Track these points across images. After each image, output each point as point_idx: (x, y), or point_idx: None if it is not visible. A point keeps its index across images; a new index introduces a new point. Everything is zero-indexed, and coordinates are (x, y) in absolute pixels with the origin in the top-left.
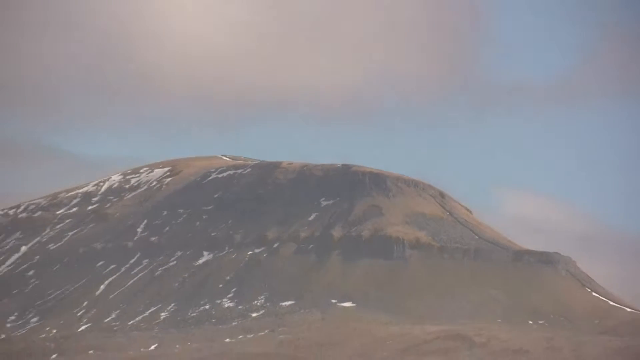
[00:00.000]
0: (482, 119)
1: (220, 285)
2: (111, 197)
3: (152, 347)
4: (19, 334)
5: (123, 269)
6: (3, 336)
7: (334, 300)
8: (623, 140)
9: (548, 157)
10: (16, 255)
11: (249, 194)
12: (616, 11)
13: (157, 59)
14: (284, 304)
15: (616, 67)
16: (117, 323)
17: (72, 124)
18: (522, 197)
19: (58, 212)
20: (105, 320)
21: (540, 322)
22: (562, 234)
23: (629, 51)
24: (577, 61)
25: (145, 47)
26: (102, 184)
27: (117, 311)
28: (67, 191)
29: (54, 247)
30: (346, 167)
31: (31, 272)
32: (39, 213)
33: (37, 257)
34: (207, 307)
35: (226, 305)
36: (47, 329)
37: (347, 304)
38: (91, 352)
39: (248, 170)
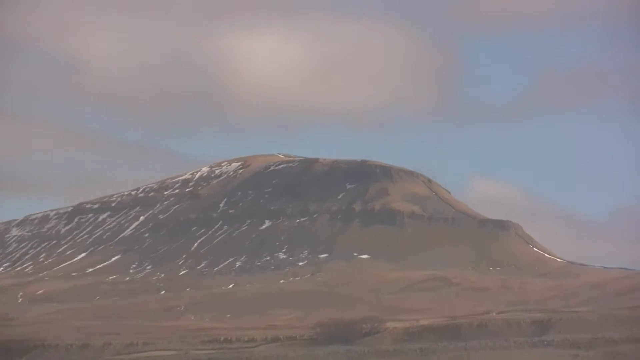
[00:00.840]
0: (462, 128)
1: (277, 243)
2: (202, 182)
3: (230, 286)
4: (138, 277)
5: (210, 232)
6: (127, 279)
7: (355, 254)
8: (557, 143)
9: (506, 155)
10: (136, 223)
11: (296, 181)
12: (554, 51)
13: (238, 87)
14: (320, 256)
15: (553, 92)
16: (206, 269)
17: (178, 132)
18: (487, 183)
19: (165, 193)
20: (197, 267)
21: (498, 268)
22: (514, 207)
23: (564, 81)
24: (525, 88)
25: (230, 78)
26: (195, 173)
27: (206, 261)
28: (171, 178)
29: (163, 217)
30: (363, 162)
31: (147, 235)
32: (152, 193)
33: (151, 224)
34: (267, 258)
35: (281, 257)
36: (158, 273)
37: (364, 256)
38: (188, 289)
39: (296, 164)
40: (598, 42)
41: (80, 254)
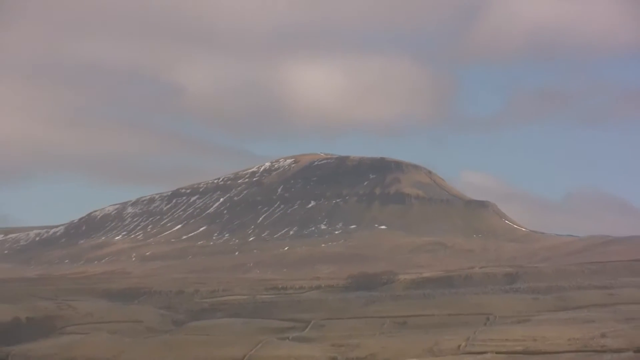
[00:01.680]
0: (455, 133)
1: (319, 218)
2: (265, 174)
3: (285, 248)
4: (219, 242)
5: (270, 210)
6: (211, 243)
7: (376, 225)
8: (526, 144)
9: (487, 154)
10: (217, 203)
11: (333, 172)
12: (524, 77)
13: (294, 104)
14: (350, 227)
15: (524, 107)
16: (268, 237)
17: (250, 136)
18: (472, 173)
19: (239, 181)
20: (262, 235)
21: (480, 236)
22: (492, 191)
23: (531, 100)
24: (503, 104)
25: (289, 97)
26: (260, 167)
27: (268, 231)
28: (243, 171)
29: (237, 198)
30: (382, 159)
31: (225, 212)
32: (229, 182)
33: (228, 204)
34: (312, 228)
35: (322, 228)
36: (233, 239)
37: (382, 227)
38: (255, 251)
39: (333, 160)
40: (559, 70)
41: (177, 225)
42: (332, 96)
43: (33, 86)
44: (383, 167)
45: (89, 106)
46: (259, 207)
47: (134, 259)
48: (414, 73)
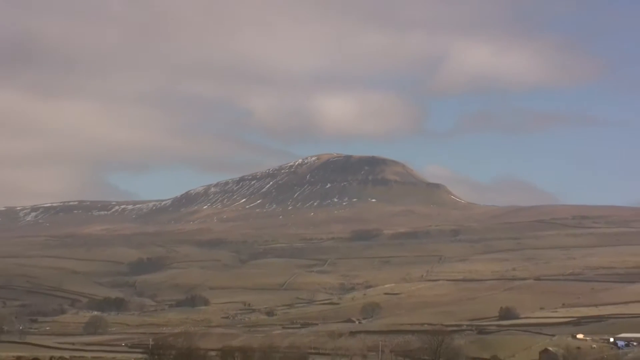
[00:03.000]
0: (424, 141)
1: (333, 194)
2: (298, 167)
3: (311, 214)
4: (268, 210)
5: (302, 189)
6: (264, 211)
7: (369, 199)
8: (469, 147)
9: (443, 154)
10: (268, 185)
11: (342, 165)
12: (471, 102)
13: (319, 124)
14: (353, 200)
15: (470, 124)
16: (301, 206)
17: (292, 144)
18: (434, 167)
19: (282, 171)
20: (296, 205)
21: (435, 206)
22: (444, 178)
23: (474, 118)
24: (455, 122)
25: (316, 118)
26: (295, 162)
27: (300, 202)
28: (285, 164)
29: (281, 182)
30: (374, 157)
31: (273, 190)
32: (275, 171)
33: (275, 185)
34: (329, 201)
35: (335, 200)
36: (279, 208)
37: (373, 200)
38: (292, 215)
39: (342, 158)
40: (490, 99)
41: (242, 199)
42: (344, 117)
43: (157, 108)
44: (374, 162)
45: (191, 122)
46: (295, 187)
47: (215, 220)
48: (398, 102)
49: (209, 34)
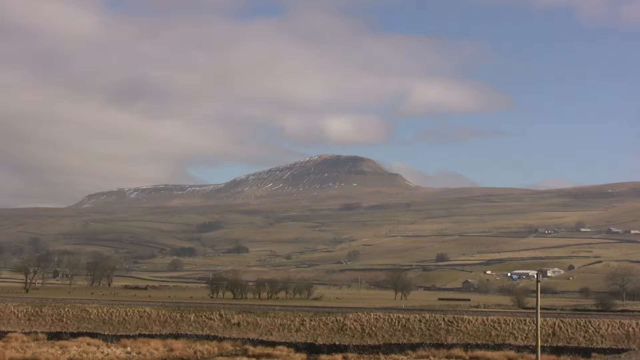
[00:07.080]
0: (393, 147)
1: (329, 180)
2: (307, 163)
3: (315, 193)
4: (287, 190)
5: (310, 177)
6: (285, 191)
7: (352, 183)
8: (425, 150)
9: (405, 154)
10: (287, 174)
11: (334, 162)
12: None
13: (326, 136)
14: (342, 184)
15: (429, 136)
16: (309, 187)
17: (304, 147)
18: (399, 163)
19: (296, 165)
20: (307, 187)
21: (394, 188)
22: (404, 170)
23: (434, 131)
24: (414, 134)
25: (325, 131)
26: (305, 159)
27: (308, 185)
28: (298, 161)
29: (295, 172)
30: (355, 156)
31: (291, 178)
32: (293, 165)
33: (292, 175)
34: (327, 184)
35: (330, 184)
36: (294, 189)
37: (354, 184)
38: (303, 193)
39: (334, 157)
40: (439, 121)
41: (269, 183)
42: (341, 130)
43: (222, 125)
44: (356, 160)
45: (244, 134)
46: (305, 175)
47: (252, 197)
48: (377, 121)
49: (259, 76)
